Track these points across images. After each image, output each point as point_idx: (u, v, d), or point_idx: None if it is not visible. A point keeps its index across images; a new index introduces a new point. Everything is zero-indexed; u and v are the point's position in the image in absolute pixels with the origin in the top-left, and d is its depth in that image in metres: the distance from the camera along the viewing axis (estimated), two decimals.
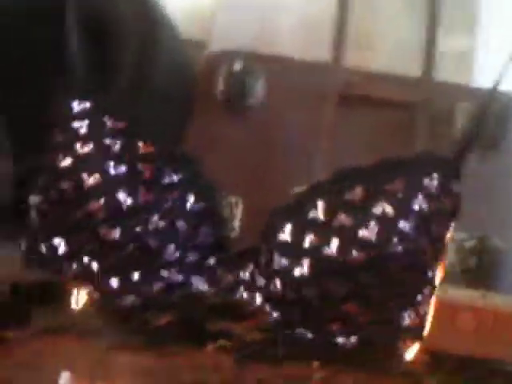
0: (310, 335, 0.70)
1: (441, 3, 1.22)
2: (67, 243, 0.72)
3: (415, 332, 0.70)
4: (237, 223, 1.12)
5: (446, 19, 1.25)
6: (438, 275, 0.71)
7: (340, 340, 0.70)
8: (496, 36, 1.33)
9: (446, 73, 1.25)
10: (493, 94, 0.73)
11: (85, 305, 0.78)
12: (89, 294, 0.73)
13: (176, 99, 1.14)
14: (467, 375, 0.76)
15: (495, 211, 1.13)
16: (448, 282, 0.79)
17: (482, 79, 1.32)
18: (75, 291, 0.74)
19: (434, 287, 0.72)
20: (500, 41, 1.30)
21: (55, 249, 0.73)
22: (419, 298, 0.71)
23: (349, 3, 1.21)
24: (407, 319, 0.70)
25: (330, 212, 0.67)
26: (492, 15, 1.33)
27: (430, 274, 0.71)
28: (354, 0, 1.23)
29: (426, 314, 0.71)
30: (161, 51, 1.08)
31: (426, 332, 0.71)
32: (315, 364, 0.74)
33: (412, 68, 1.22)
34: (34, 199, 0.74)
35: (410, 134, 1.17)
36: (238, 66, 1.19)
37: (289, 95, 1.20)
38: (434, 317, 0.72)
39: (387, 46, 1.31)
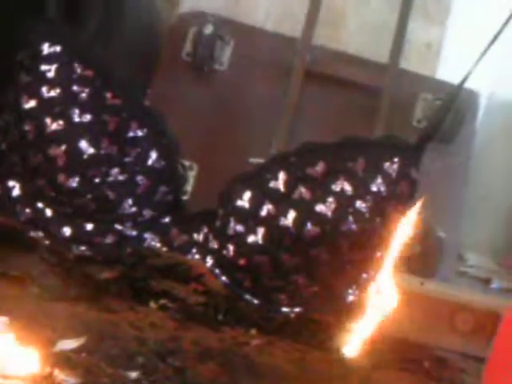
0: (256, 302, 0.71)
1: None
2: (22, 187, 0.72)
3: (357, 309, 0.72)
4: (189, 187, 1.12)
5: (419, 8, 1.27)
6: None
7: (284, 309, 0.71)
8: (465, 32, 1.35)
9: (411, 61, 1.27)
10: (459, 89, 0.74)
11: (30, 251, 0.78)
12: (39, 240, 0.73)
13: (142, 53, 1.13)
14: (400, 356, 0.78)
15: (440, 202, 1.16)
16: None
17: (445, 72, 1.34)
18: (24, 236, 0.74)
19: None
20: (468, 37, 1.32)
21: (9, 191, 0.72)
22: (365, 276, 0.72)
23: None
24: (351, 296, 0.72)
25: (291, 184, 0.68)
26: (465, 11, 1.35)
27: (378, 254, 0.72)
28: None
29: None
30: (130, 0, 1.07)
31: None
32: (253, 331, 0.75)
33: (380, 52, 1.22)
34: None
35: (370, 118, 1.18)
36: (208, 29, 1.18)
37: (256, 65, 1.19)
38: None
39: (358, 28, 1.32)
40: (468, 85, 0.74)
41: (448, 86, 1.14)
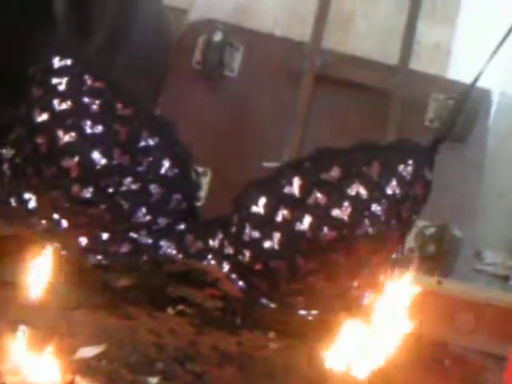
0: (273, 305, 0.71)
1: None
2: (38, 199, 0.72)
3: (371, 310, 0.72)
4: (203, 193, 1.12)
5: (428, 9, 1.27)
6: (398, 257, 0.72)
7: (302, 312, 0.71)
8: (474, 32, 1.34)
9: (421, 62, 1.26)
10: (471, 89, 0.74)
11: (49, 261, 0.78)
12: (56, 250, 0.73)
13: (151, 63, 1.13)
14: (420, 355, 0.77)
15: (455, 201, 1.16)
16: (406, 266, 0.80)
17: (455, 72, 1.34)
18: (41, 247, 0.74)
19: (394, 269, 0.73)
20: (477, 37, 1.32)
21: (25, 203, 0.72)
22: (381, 278, 0.72)
23: None
24: (368, 298, 0.72)
25: (306, 189, 0.68)
26: (474, 11, 1.35)
27: (393, 256, 0.72)
28: None
29: (382, 294, 0.72)
30: (139, 11, 1.07)
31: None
32: (271, 334, 0.75)
33: (389, 54, 1.22)
34: (7, 152, 0.74)
35: (383, 119, 1.18)
36: (217, 37, 1.19)
37: (266, 70, 1.20)
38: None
39: (367, 31, 1.32)
40: (479, 84, 0.74)
41: (459, 86, 1.14)
